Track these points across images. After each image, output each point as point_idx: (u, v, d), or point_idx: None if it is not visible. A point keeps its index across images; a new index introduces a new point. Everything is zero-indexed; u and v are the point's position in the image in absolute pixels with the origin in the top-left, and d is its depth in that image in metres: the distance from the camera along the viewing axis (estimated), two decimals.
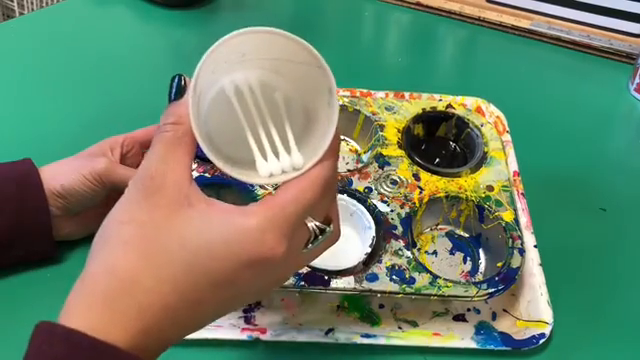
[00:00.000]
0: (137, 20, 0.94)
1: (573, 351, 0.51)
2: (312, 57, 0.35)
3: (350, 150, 0.62)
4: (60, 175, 0.52)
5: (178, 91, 0.35)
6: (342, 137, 0.63)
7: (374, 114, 0.61)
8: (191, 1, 0.95)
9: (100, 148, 0.56)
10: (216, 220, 0.32)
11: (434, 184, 0.56)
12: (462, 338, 0.49)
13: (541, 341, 0.49)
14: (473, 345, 0.49)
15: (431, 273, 0.50)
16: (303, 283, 0.48)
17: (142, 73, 0.81)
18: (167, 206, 0.33)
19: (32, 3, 1.54)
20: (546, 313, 0.50)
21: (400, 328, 0.50)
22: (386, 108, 0.62)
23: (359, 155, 0.62)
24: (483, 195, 0.55)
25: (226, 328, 0.49)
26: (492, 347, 0.49)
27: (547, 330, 0.49)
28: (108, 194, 0.54)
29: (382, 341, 0.49)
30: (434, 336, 0.49)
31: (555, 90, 0.84)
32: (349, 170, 0.57)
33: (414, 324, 0.51)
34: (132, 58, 0.85)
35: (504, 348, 0.49)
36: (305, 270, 0.49)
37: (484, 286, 0.49)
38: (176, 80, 0.36)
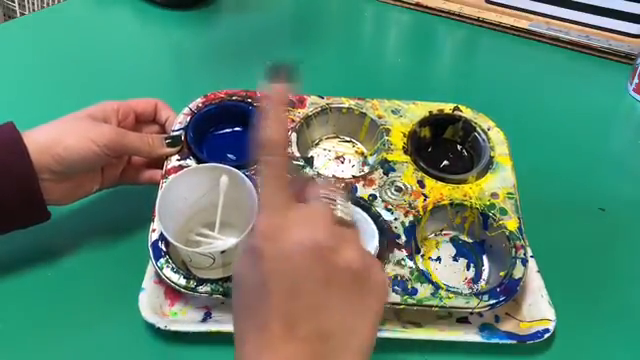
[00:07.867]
0: (137, 21, 0.94)
1: (577, 350, 0.51)
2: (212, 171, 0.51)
3: (356, 152, 0.62)
4: (64, 137, 0.50)
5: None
6: (349, 139, 0.63)
7: (380, 117, 0.61)
8: (191, 2, 0.95)
9: (100, 112, 0.54)
10: None
11: (439, 191, 0.56)
12: (466, 333, 0.50)
13: (546, 335, 0.49)
14: (478, 339, 0.49)
15: (433, 283, 0.50)
16: None
17: (142, 73, 0.82)
18: None
19: (33, 4, 1.54)
20: (549, 312, 0.51)
21: (404, 327, 0.51)
22: (392, 111, 0.61)
23: (365, 157, 0.61)
24: (488, 203, 0.55)
25: (228, 323, 0.48)
26: (497, 340, 0.49)
27: (551, 326, 0.49)
28: (109, 161, 0.53)
29: (386, 334, 0.49)
30: (439, 332, 0.50)
31: (554, 90, 0.84)
32: (354, 176, 0.58)
33: (418, 325, 0.51)
34: (132, 58, 0.85)
35: (509, 341, 0.49)
36: None
37: (485, 297, 0.49)
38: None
